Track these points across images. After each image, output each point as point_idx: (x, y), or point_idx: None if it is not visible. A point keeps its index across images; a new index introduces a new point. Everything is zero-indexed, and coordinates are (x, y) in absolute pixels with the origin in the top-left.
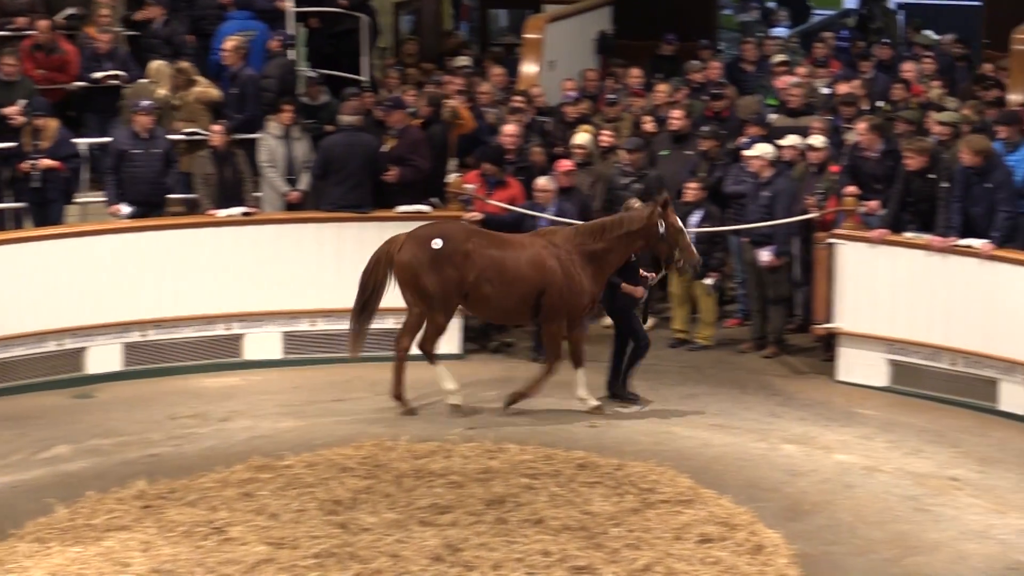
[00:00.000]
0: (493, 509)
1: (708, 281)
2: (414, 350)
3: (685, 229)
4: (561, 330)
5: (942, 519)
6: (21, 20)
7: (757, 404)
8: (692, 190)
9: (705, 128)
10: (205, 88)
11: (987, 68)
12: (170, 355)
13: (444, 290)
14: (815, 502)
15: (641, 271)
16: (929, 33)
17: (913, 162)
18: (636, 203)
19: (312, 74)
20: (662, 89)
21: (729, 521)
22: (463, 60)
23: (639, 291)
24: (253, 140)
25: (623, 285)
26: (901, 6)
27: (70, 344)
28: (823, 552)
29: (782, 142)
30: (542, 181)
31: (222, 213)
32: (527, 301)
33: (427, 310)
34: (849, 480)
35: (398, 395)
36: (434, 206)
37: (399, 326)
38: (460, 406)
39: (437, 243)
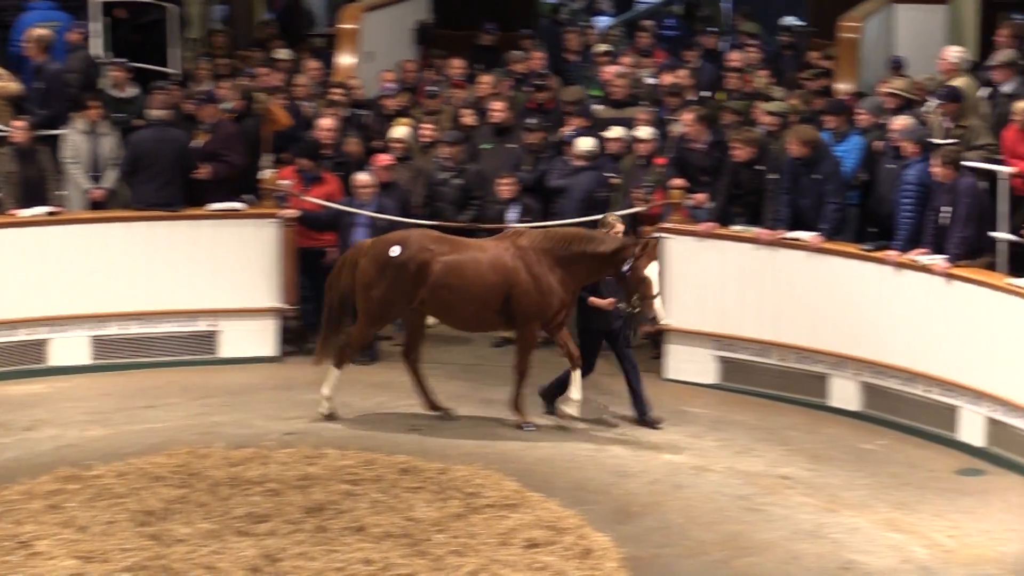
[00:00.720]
0: (312, 517)
1: None
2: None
3: (653, 282)
4: (534, 335)
5: (773, 518)
6: None
7: (584, 404)
8: (506, 185)
9: (529, 120)
10: (5, 82)
11: (814, 56)
12: None
13: (389, 299)
14: (644, 504)
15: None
16: (792, 21)
17: (741, 153)
18: (616, 222)
19: (117, 63)
20: (485, 80)
21: (557, 525)
22: (280, 52)
23: (607, 303)
24: (57, 136)
25: (591, 299)
26: None
27: None
28: (653, 555)
29: (607, 134)
30: (361, 177)
31: (25, 213)
32: (490, 305)
33: (362, 315)
34: (679, 480)
35: (432, 405)
36: (248, 203)
37: (213, 328)
38: (328, 415)
39: (395, 250)
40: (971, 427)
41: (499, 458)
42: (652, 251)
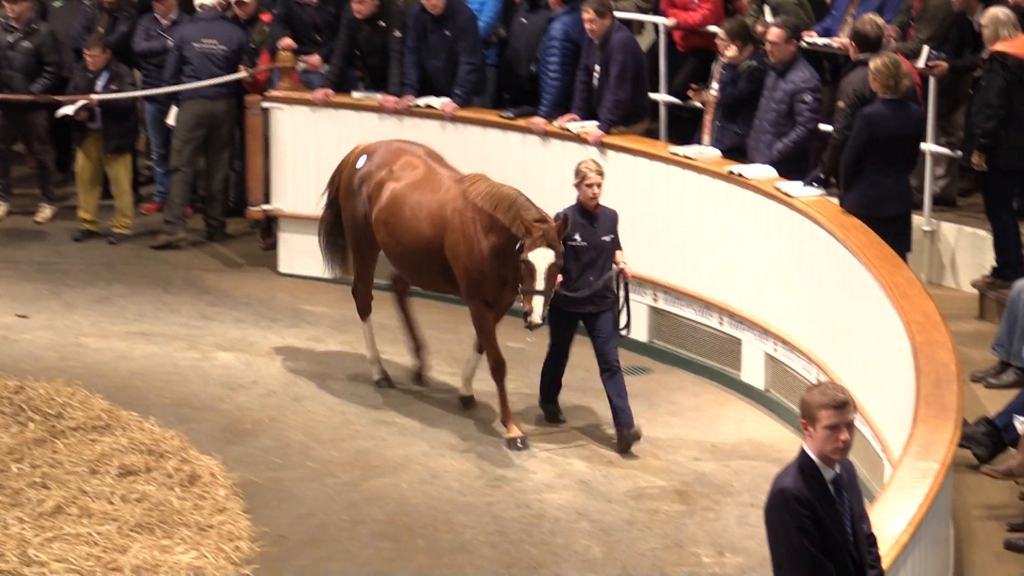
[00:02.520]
0: None
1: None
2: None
3: (538, 273)
4: (481, 316)
5: (410, 432)
6: None
7: (184, 305)
8: (92, 56)
9: None
10: None
11: None
12: None
13: (352, 223)
14: (258, 420)
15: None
16: None
17: (360, 8)
18: (590, 172)
19: None
20: None
21: (156, 448)
22: None
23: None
24: None
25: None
26: None
27: None
28: (271, 479)
29: None
30: None
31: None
32: (427, 265)
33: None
34: (298, 391)
35: (415, 352)
36: None
37: None
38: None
39: (361, 160)
40: (641, 322)
41: (86, 372)
42: (546, 235)
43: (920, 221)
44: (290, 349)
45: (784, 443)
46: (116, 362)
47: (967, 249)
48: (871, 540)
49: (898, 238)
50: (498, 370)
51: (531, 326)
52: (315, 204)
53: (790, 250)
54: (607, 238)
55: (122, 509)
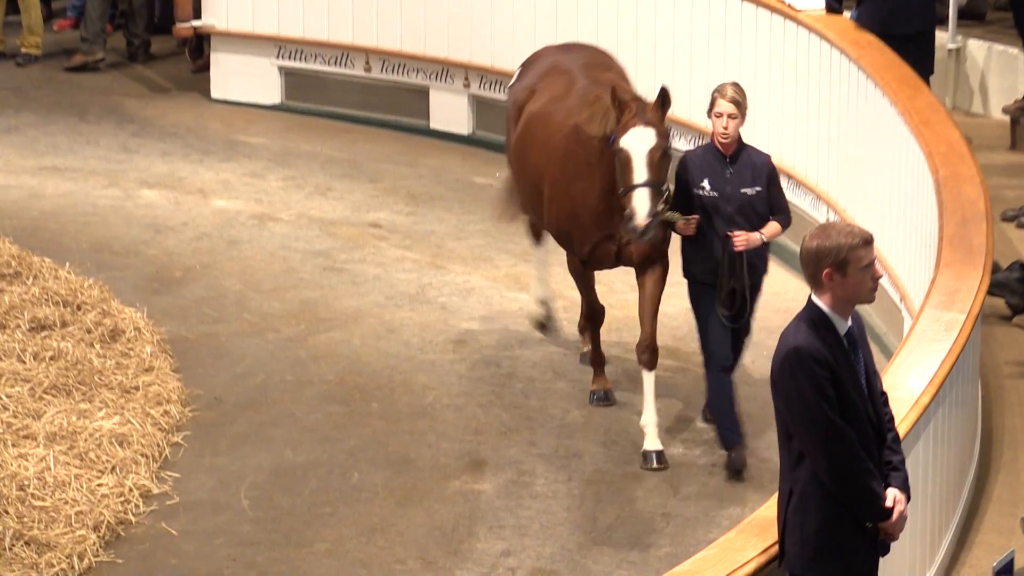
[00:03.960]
0: None
1: None
2: None
3: (636, 161)
4: (572, 261)
5: (362, 280)
6: None
7: (104, 136)
8: None
9: None
10: None
11: None
12: None
13: (508, 146)
14: (188, 267)
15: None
16: None
17: None
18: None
19: None
20: None
21: (72, 299)
22: None
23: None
24: None
25: None
26: None
27: None
28: (203, 333)
29: None
30: None
31: None
32: (536, 203)
33: None
34: (234, 234)
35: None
36: None
37: None
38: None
39: (515, 75)
40: None
41: None
42: (641, 111)
43: (944, 38)
44: (225, 185)
45: (790, 291)
46: (26, 201)
47: (997, 70)
48: (884, 399)
49: (920, 58)
50: (593, 319)
51: (638, 232)
52: (252, 20)
53: (796, 73)
54: (749, 191)
55: (34, 369)
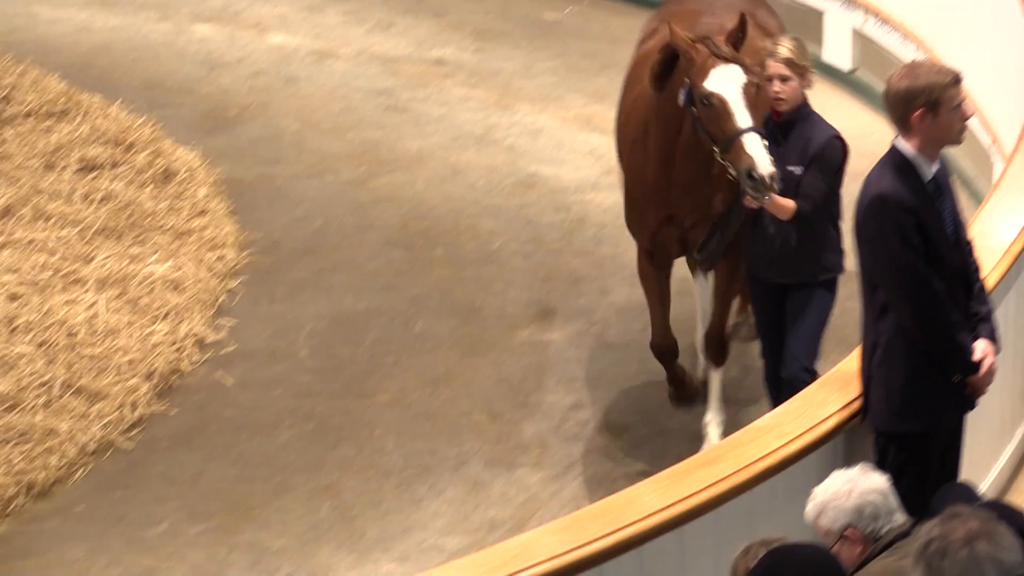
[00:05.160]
0: None
1: None
2: None
3: (731, 104)
4: (639, 263)
5: (425, 121)
6: None
7: None
8: None
9: None
10: None
11: None
12: None
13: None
14: (244, 105)
15: None
16: None
17: None
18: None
19: None
20: None
21: (123, 138)
22: None
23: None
24: None
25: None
26: None
27: None
28: (259, 176)
29: None
30: None
31: None
32: None
33: None
34: (292, 72)
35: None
36: None
37: None
38: None
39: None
40: None
41: (38, 48)
42: (716, 49)
43: None
44: (281, 19)
45: (876, 133)
46: (74, 35)
47: None
48: (969, 248)
49: None
50: (659, 352)
51: (765, 184)
52: None
53: None
54: (795, 169)
55: (84, 211)
